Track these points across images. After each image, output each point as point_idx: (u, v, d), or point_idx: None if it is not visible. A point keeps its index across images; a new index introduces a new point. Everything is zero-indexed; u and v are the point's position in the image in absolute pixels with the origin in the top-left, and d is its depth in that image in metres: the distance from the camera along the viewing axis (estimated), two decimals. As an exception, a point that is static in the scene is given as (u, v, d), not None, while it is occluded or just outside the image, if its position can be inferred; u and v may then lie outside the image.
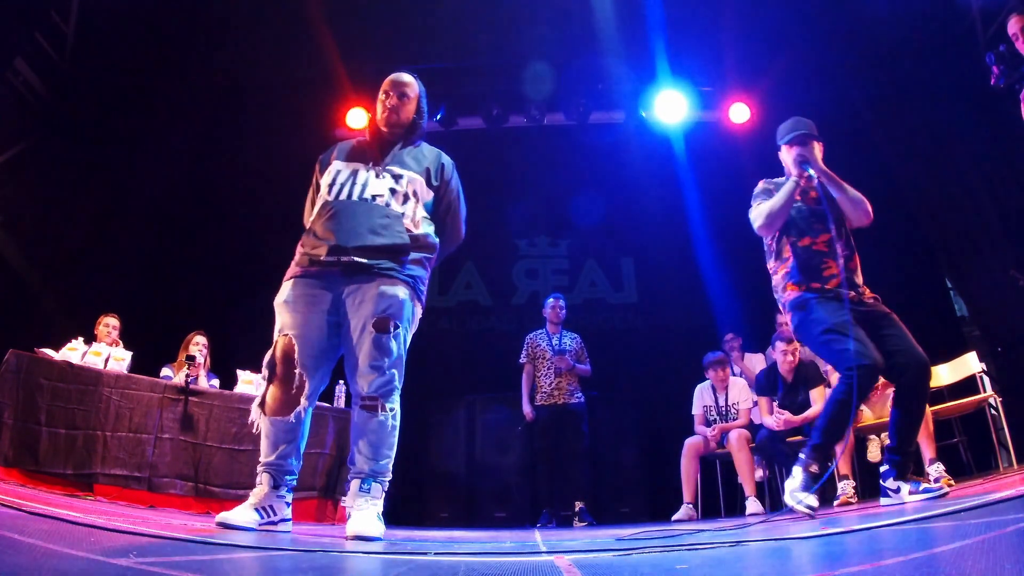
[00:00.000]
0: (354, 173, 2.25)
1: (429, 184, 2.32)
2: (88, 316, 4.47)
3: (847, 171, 6.43)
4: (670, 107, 6.15)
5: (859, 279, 2.64)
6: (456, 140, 6.53)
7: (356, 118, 6.13)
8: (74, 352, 3.54)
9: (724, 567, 1.20)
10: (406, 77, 2.40)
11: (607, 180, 6.59)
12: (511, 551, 1.77)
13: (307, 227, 2.28)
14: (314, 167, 2.44)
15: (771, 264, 2.80)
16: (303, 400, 2.11)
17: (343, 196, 2.20)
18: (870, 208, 2.65)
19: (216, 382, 4.46)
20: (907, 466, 2.50)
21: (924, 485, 2.45)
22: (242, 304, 5.31)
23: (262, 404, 2.14)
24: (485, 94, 6.31)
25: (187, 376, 3.83)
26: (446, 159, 2.42)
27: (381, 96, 2.37)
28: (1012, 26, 2.99)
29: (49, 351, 3.49)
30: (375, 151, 2.32)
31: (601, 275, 6.86)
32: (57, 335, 3.78)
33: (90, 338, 4.09)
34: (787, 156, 2.75)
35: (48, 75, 5.12)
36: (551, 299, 5.01)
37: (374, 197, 2.19)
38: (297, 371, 2.09)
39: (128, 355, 3.75)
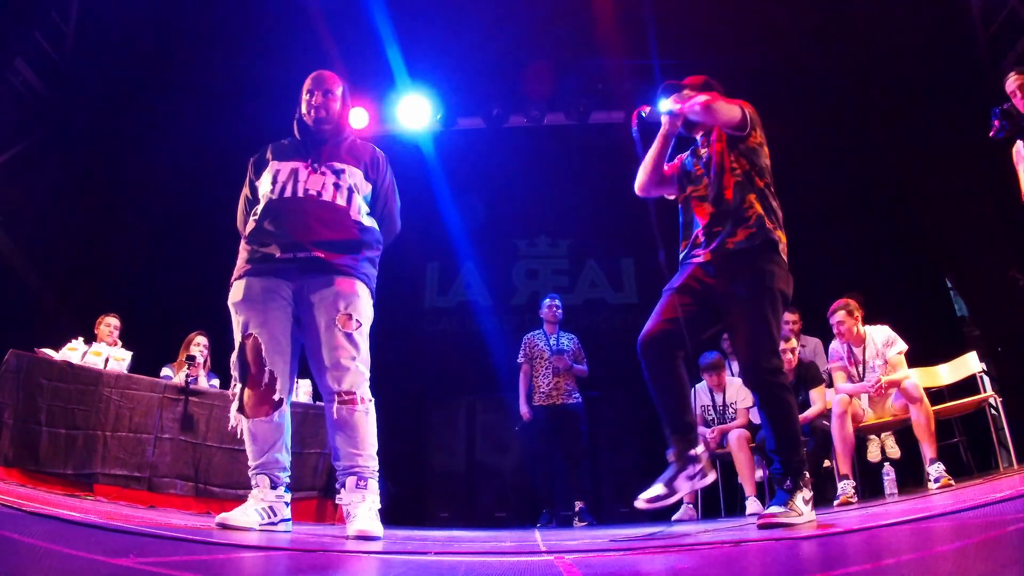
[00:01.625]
0: (294, 171, 2.24)
1: (367, 177, 2.33)
2: (88, 316, 4.47)
3: (847, 171, 6.41)
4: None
5: (747, 216, 2.22)
6: (456, 140, 6.55)
7: (356, 118, 6.13)
8: (74, 352, 3.53)
9: (724, 567, 1.20)
10: (329, 74, 2.38)
11: (607, 180, 6.58)
12: (511, 551, 1.77)
13: (244, 229, 2.29)
14: (247, 168, 2.43)
15: None
16: (279, 396, 2.12)
17: (287, 193, 2.19)
18: (701, 106, 2.23)
19: (216, 382, 4.46)
20: (787, 476, 2.07)
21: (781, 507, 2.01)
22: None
23: (241, 408, 2.14)
24: (485, 94, 6.30)
25: (187, 376, 3.82)
26: (379, 152, 2.43)
27: (305, 95, 2.35)
28: (1010, 84, 3.04)
29: (49, 351, 3.49)
30: (310, 149, 2.32)
31: (601, 275, 6.86)
32: (57, 335, 3.78)
33: (90, 338, 4.09)
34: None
35: (48, 75, 5.12)
36: (547, 299, 5.02)
37: (319, 193, 2.20)
38: (267, 369, 2.10)
39: (128, 355, 3.75)
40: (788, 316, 4.85)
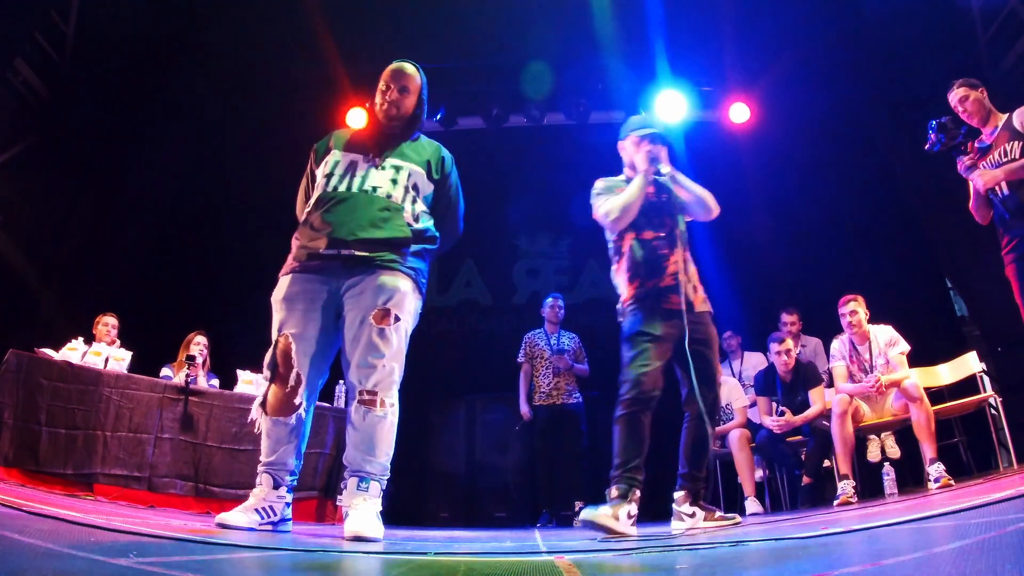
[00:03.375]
0: (352, 164, 2.20)
1: (430, 177, 2.28)
2: (88, 316, 4.47)
3: (848, 171, 6.40)
4: (670, 107, 6.15)
5: (693, 281, 2.63)
6: (456, 140, 6.54)
7: (356, 118, 6.13)
8: (74, 352, 3.54)
9: (724, 567, 1.20)
10: (408, 69, 2.31)
11: (607, 180, 6.58)
12: (511, 551, 1.77)
13: (301, 219, 2.23)
14: (309, 155, 2.38)
15: (615, 264, 2.73)
16: (301, 399, 2.09)
17: (342, 188, 2.15)
18: (713, 203, 2.68)
19: (216, 382, 4.46)
20: (699, 491, 2.54)
21: (719, 513, 2.53)
22: (242, 304, 5.30)
23: (263, 404, 2.12)
24: (485, 94, 6.31)
25: (187, 376, 3.82)
26: (446, 153, 2.37)
27: (381, 87, 2.29)
28: (953, 97, 3.08)
29: (49, 351, 3.49)
30: (374, 143, 2.27)
31: (602, 274, 6.86)
32: (57, 335, 3.78)
33: (90, 338, 4.09)
34: (633, 149, 2.73)
35: (48, 75, 5.12)
36: (550, 299, 5.02)
37: (374, 188, 2.15)
38: (295, 371, 2.06)
39: (128, 355, 3.75)
40: (787, 317, 4.86)
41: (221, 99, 6.03)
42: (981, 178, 2.90)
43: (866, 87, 5.83)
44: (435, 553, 1.51)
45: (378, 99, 2.29)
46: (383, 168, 2.20)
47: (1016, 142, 2.85)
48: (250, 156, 6.07)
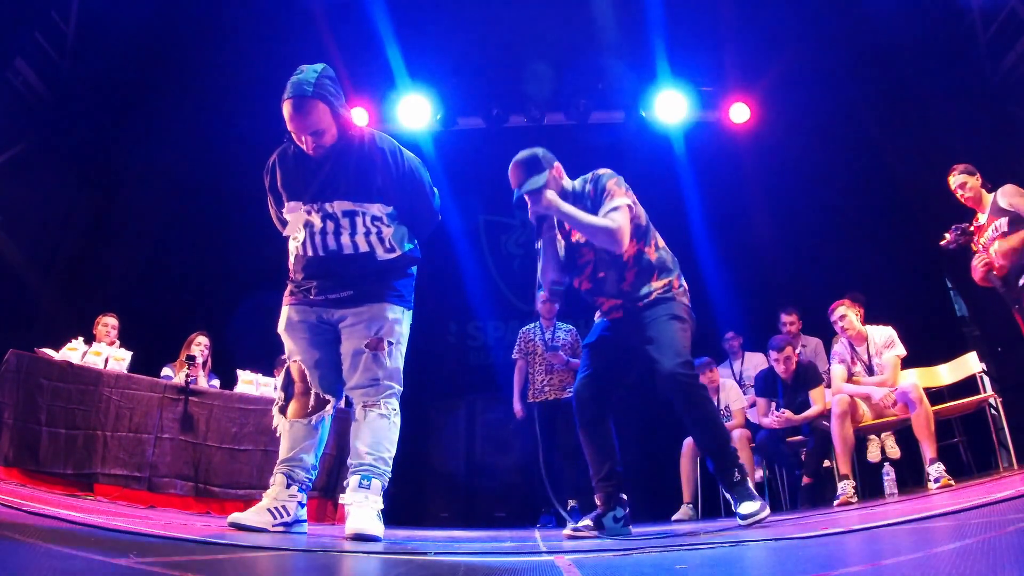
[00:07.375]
0: (308, 221, 2.17)
1: (385, 203, 2.19)
2: (88, 316, 4.47)
3: (848, 171, 6.40)
4: (670, 107, 6.14)
5: (642, 287, 2.62)
6: (456, 140, 6.55)
7: (356, 118, 6.12)
8: (74, 352, 3.54)
9: (724, 567, 1.20)
10: (307, 108, 2.09)
11: (607, 179, 6.58)
12: (511, 551, 1.78)
13: (290, 273, 2.28)
14: (263, 179, 2.33)
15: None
16: (329, 409, 2.23)
17: (310, 252, 2.18)
18: (614, 235, 2.45)
19: (216, 382, 4.46)
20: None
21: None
22: (242, 304, 5.31)
23: (282, 410, 2.24)
24: (485, 94, 6.31)
25: (187, 376, 3.82)
26: (388, 151, 2.20)
27: (292, 132, 2.15)
28: (953, 182, 3.54)
29: (49, 351, 3.49)
30: (317, 184, 2.16)
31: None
32: (57, 335, 3.78)
33: (90, 338, 4.09)
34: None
35: (48, 75, 5.12)
36: (541, 292, 4.98)
37: (339, 247, 2.16)
38: (314, 390, 2.20)
39: (128, 355, 3.75)
40: (786, 317, 4.85)
41: (221, 99, 6.03)
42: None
43: (866, 87, 5.83)
44: (435, 553, 1.51)
45: (296, 140, 2.15)
46: (338, 218, 2.15)
47: (1003, 217, 3.23)
48: (250, 156, 6.06)
